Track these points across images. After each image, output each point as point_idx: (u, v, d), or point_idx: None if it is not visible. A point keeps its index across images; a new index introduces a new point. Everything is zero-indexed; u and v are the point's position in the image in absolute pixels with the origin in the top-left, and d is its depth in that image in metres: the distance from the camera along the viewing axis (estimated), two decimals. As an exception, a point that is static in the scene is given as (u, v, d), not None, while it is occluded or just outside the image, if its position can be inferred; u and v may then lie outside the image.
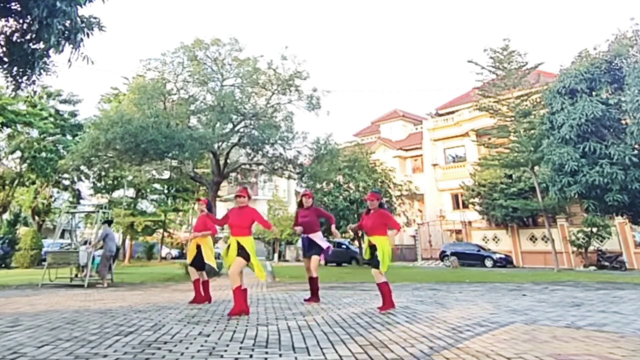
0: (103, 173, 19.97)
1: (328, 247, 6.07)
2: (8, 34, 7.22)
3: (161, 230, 31.05)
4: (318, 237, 6.04)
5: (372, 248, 5.31)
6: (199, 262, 6.20)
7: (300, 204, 6.34)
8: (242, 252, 4.93)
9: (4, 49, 7.31)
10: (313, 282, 6.13)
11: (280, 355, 3.13)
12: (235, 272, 4.89)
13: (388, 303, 5.28)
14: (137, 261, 29.25)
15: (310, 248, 6.06)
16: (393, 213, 24.07)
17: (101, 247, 10.34)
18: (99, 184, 27.21)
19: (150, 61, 15.16)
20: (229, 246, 5.03)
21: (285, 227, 30.70)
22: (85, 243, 11.43)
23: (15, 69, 7.42)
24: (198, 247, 6.18)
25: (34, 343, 3.55)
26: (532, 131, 18.03)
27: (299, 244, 6.32)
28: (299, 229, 6.09)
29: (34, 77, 7.60)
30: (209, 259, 6.15)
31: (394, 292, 5.58)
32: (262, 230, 33.97)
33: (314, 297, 6.15)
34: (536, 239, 23.94)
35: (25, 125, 22.36)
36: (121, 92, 25.12)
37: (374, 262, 5.26)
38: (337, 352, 3.24)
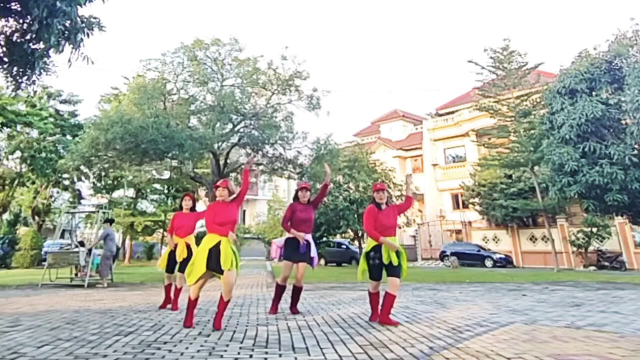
0: (103, 173, 19.98)
1: (313, 258, 5.18)
2: (8, 34, 7.23)
3: (161, 230, 31.06)
4: (312, 241, 5.17)
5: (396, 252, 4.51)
6: (182, 266, 5.43)
7: (295, 198, 5.29)
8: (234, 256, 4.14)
9: (4, 49, 7.31)
10: (299, 292, 5.29)
11: (280, 355, 3.13)
12: (233, 282, 4.15)
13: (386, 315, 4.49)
14: (137, 261, 29.26)
15: (306, 252, 5.06)
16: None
17: (101, 247, 10.36)
18: (99, 184, 27.21)
19: (150, 61, 15.17)
20: (213, 247, 4.11)
21: (285, 227, 30.69)
22: (81, 244, 11.41)
23: (15, 69, 7.43)
24: (189, 248, 5.56)
25: (34, 343, 3.55)
26: (532, 131, 18.04)
27: (279, 243, 5.34)
28: (300, 235, 4.99)
29: (34, 77, 7.61)
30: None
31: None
32: (263, 230, 33.95)
33: (295, 306, 5.28)
34: (536, 239, 23.93)
35: (25, 125, 22.36)
36: (121, 92, 25.12)
37: (398, 270, 4.45)
38: (337, 352, 3.24)
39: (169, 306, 5.75)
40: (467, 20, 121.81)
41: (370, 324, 4.51)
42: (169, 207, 29.69)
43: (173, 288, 5.81)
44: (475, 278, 12.59)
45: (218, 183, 4.48)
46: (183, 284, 5.48)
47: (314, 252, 5.13)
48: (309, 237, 5.12)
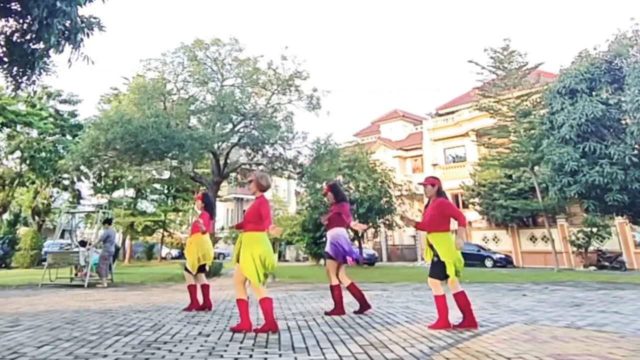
0: (103, 173, 19.97)
1: (345, 252, 4.99)
2: (8, 34, 7.23)
3: (161, 230, 31.07)
4: (330, 236, 5.15)
5: (431, 248, 4.39)
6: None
7: None
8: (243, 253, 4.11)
9: (4, 49, 7.32)
10: (351, 291, 5.18)
11: (280, 355, 3.12)
12: (238, 280, 4.15)
13: (442, 321, 4.21)
14: (137, 261, 29.27)
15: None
16: (393, 213, 24.04)
17: (101, 247, 10.37)
18: (99, 184, 27.21)
19: (150, 61, 15.16)
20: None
21: (286, 227, 30.70)
22: (82, 244, 11.40)
23: (15, 69, 7.43)
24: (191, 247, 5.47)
25: (34, 343, 3.55)
26: (532, 131, 18.04)
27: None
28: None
29: (34, 77, 7.62)
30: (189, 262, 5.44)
31: (395, 292, 5.53)
32: (262, 230, 33.94)
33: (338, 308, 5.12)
34: (536, 239, 23.92)
35: (25, 125, 22.37)
36: (121, 92, 25.11)
37: (435, 270, 4.31)
38: (336, 352, 3.24)
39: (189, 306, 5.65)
40: (467, 20, 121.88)
41: (370, 324, 4.50)
42: (169, 207, 29.70)
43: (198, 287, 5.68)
44: (475, 278, 12.58)
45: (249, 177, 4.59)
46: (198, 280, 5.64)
47: (327, 247, 5.19)
48: (328, 233, 5.22)
